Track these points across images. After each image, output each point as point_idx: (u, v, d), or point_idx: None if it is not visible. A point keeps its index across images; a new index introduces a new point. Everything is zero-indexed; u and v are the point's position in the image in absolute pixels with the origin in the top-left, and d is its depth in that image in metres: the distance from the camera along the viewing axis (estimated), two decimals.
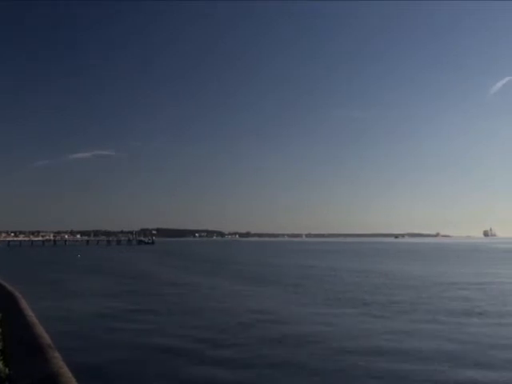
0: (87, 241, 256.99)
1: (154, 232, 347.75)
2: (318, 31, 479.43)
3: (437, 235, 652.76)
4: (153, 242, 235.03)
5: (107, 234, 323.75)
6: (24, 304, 11.57)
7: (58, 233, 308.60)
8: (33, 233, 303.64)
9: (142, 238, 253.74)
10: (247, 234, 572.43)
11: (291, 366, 15.60)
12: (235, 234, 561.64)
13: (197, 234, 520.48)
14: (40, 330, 8.16)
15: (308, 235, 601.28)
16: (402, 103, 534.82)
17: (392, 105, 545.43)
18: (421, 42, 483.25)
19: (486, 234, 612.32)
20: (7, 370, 5.75)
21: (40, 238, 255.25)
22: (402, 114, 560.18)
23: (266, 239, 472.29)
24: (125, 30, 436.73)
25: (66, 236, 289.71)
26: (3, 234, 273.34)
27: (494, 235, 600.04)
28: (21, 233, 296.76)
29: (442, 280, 45.77)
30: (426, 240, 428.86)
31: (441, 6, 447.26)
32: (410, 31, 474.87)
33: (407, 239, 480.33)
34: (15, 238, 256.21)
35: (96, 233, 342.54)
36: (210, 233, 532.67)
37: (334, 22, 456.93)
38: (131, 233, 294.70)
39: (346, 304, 30.26)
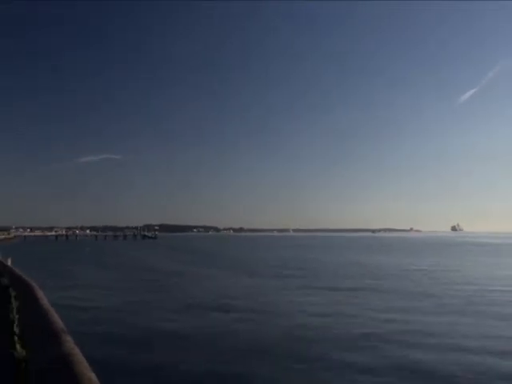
0: (96, 236, 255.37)
1: (157, 227, 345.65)
2: (304, 38, 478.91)
3: (410, 230, 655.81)
4: (155, 237, 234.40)
5: (114, 229, 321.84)
6: (40, 293, 11.59)
7: (70, 228, 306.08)
8: (47, 228, 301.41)
9: (146, 233, 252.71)
10: (240, 230, 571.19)
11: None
12: (230, 229, 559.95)
13: (195, 230, 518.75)
14: (54, 316, 8.22)
15: (295, 230, 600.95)
16: (381, 107, 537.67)
17: (370, 109, 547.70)
18: (401, 49, 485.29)
19: (453, 228, 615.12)
20: (24, 352, 5.85)
21: (53, 233, 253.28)
22: (380, 122, 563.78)
23: (258, 234, 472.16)
24: (128, 35, 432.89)
25: (77, 231, 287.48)
26: (20, 230, 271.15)
27: (461, 230, 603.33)
28: (36, 228, 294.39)
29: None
30: (401, 234, 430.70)
31: (417, 14, 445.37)
32: (392, 37, 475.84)
33: (383, 234, 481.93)
34: (31, 234, 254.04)
35: (104, 228, 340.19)
36: (206, 228, 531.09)
37: (320, 29, 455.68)
38: (136, 228, 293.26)
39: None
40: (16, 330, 7.54)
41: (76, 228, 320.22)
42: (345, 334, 17.74)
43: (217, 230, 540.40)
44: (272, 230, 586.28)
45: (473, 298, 27.55)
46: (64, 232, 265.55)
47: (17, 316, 8.75)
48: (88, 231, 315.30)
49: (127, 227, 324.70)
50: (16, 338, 6.88)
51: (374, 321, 20.11)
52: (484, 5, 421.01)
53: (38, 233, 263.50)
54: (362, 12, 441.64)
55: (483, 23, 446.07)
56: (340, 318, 20.82)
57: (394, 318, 20.92)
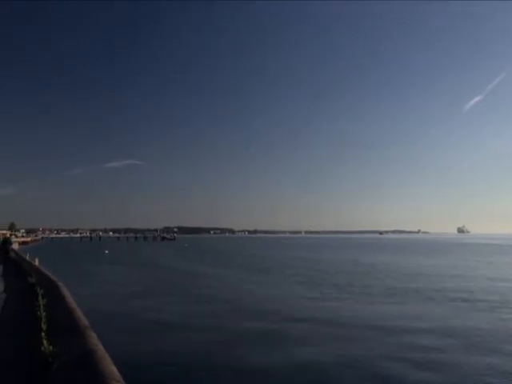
0: (118, 237, 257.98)
1: (175, 230, 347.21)
2: (308, 44, 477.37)
3: (418, 232, 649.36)
4: (174, 239, 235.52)
5: (135, 231, 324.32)
6: (66, 291, 11.69)
7: (94, 230, 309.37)
8: (72, 230, 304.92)
9: (165, 235, 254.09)
10: (255, 231, 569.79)
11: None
12: (244, 231, 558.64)
13: (212, 231, 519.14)
14: (79, 314, 8.28)
15: (306, 232, 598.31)
16: (389, 117, 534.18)
17: (380, 118, 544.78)
18: (401, 62, 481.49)
19: (460, 230, 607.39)
20: (51, 347, 5.89)
21: (78, 235, 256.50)
22: (388, 127, 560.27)
23: (271, 235, 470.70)
24: (152, 42, 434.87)
25: (101, 233, 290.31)
26: (47, 232, 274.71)
27: (467, 232, 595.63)
28: (62, 230, 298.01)
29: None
30: (411, 236, 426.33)
31: (422, 20, 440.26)
32: (398, 44, 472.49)
33: (391, 235, 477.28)
34: (57, 235, 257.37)
35: (126, 230, 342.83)
36: (222, 230, 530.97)
37: (323, 36, 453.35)
38: (156, 230, 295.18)
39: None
40: (43, 326, 7.61)
41: (99, 230, 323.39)
42: None
43: (232, 231, 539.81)
44: (284, 232, 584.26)
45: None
46: (88, 234, 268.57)
47: (44, 313, 8.82)
48: (111, 233, 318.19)
49: (148, 229, 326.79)
50: (43, 334, 6.94)
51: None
52: (490, 11, 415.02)
53: (63, 234, 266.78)
54: (364, 16, 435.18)
55: (488, 30, 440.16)
56: None
57: None
